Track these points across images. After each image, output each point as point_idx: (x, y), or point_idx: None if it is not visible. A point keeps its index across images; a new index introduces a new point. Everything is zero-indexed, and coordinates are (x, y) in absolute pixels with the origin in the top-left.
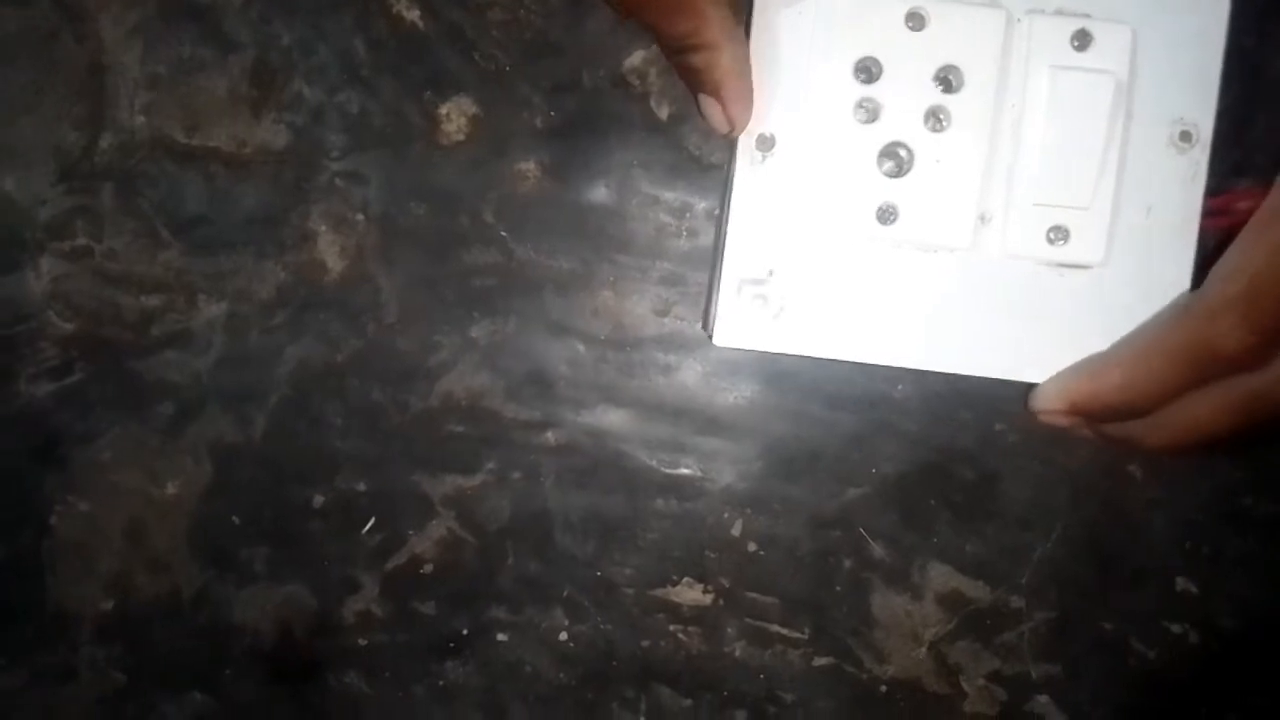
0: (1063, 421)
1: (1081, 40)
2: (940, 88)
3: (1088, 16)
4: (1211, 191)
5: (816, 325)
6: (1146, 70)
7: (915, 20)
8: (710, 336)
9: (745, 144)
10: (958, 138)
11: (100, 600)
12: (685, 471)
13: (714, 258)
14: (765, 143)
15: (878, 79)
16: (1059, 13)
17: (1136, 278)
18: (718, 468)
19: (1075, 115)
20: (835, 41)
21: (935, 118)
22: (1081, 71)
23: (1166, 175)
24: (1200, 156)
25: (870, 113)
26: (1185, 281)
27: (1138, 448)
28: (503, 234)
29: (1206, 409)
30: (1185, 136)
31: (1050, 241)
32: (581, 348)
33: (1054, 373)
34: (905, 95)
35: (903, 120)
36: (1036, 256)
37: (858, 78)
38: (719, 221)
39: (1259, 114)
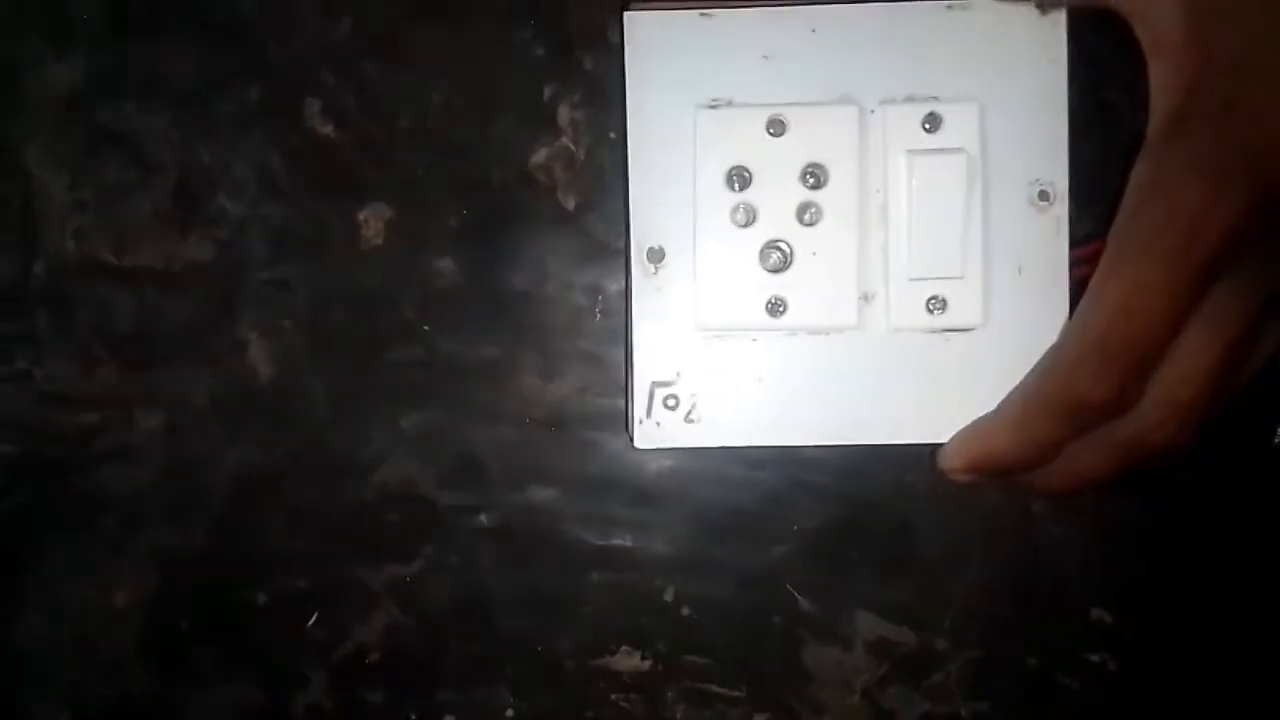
0: (967, 480)
1: (932, 123)
2: (809, 183)
3: (936, 99)
4: (1078, 243)
5: (727, 419)
6: (997, 140)
7: (776, 126)
8: (631, 440)
9: (638, 258)
10: (831, 228)
11: (57, 713)
12: (617, 543)
13: (626, 365)
14: (655, 255)
15: (750, 184)
16: (909, 99)
17: (1016, 333)
18: (648, 536)
19: (935, 193)
20: (707, 155)
21: (807, 213)
22: (935, 153)
23: (1031, 234)
24: (1060, 212)
25: (748, 215)
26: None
27: (1034, 492)
28: (425, 329)
29: (1088, 456)
30: (1043, 195)
31: (930, 311)
32: (509, 431)
33: (954, 431)
34: (777, 196)
35: (778, 219)
36: (920, 326)
37: (731, 186)
38: (626, 331)
39: (1121, 166)
